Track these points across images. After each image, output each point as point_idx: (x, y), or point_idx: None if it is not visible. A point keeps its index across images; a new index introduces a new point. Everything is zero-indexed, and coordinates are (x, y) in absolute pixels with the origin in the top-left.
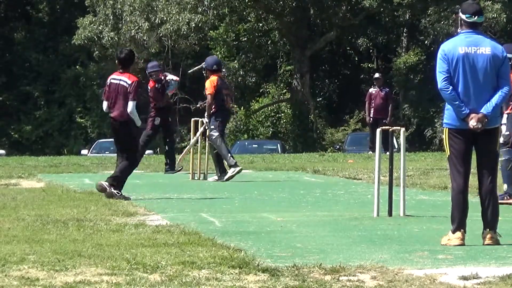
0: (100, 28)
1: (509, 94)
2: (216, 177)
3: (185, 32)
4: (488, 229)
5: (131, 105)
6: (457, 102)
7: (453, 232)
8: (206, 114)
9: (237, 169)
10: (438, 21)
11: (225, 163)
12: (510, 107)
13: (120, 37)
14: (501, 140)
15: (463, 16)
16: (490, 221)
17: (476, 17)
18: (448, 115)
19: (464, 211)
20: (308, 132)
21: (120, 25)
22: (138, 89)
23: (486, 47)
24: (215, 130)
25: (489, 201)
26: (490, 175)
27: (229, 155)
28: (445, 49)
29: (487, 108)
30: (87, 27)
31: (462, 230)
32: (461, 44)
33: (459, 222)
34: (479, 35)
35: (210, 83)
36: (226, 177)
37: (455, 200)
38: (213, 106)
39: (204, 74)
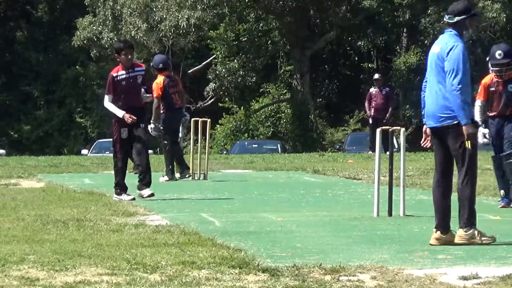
0: (99, 28)
1: (451, 88)
2: (167, 177)
3: (184, 30)
4: (459, 228)
5: (104, 99)
6: (423, 107)
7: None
8: (152, 118)
9: (173, 179)
10: (438, 21)
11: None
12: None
13: (120, 38)
14: (486, 141)
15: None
16: (460, 219)
17: (448, 16)
18: None
19: (438, 210)
20: (308, 132)
21: (119, 26)
22: (110, 83)
23: (438, 45)
24: (167, 137)
25: (458, 199)
26: (459, 172)
27: (171, 166)
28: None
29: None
30: (86, 28)
31: (436, 229)
32: (433, 44)
33: (436, 221)
34: (448, 33)
35: (156, 85)
36: (161, 179)
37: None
38: (162, 108)
39: (153, 74)
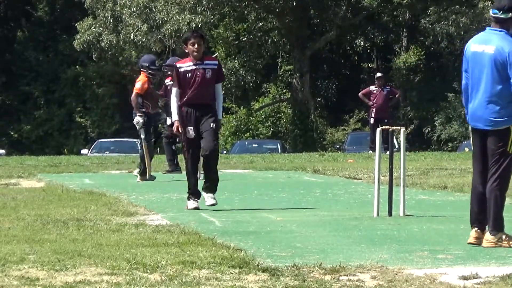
0: (99, 30)
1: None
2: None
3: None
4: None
5: (172, 91)
6: (466, 110)
7: (471, 229)
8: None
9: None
10: (438, 21)
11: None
12: None
13: (119, 40)
14: None
15: (491, 11)
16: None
17: (501, 12)
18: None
19: (477, 209)
20: (308, 132)
21: (120, 27)
22: (174, 74)
23: (492, 45)
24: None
25: (489, 200)
26: (492, 174)
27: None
28: (466, 47)
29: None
30: (86, 32)
31: (475, 227)
32: (474, 42)
33: (472, 219)
34: (498, 32)
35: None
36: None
37: (470, 197)
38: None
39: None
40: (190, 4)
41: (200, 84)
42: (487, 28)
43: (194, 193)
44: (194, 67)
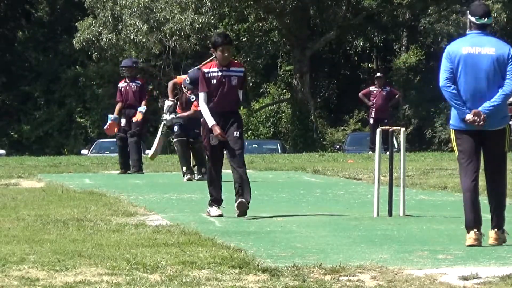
0: (99, 30)
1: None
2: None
3: (188, 33)
4: (493, 229)
5: (199, 97)
6: (458, 102)
7: (467, 232)
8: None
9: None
10: (438, 21)
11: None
12: None
13: (119, 40)
14: None
15: (473, 18)
16: (495, 220)
17: (486, 18)
18: (453, 116)
19: (474, 211)
20: (308, 132)
21: (120, 27)
22: (201, 79)
23: (491, 47)
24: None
25: (493, 200)
26: (497, 176)
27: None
28: (450, 50)
29: (484, 107)
30: (86, 30)
31: (474, 230)
32: (465, 45)
33: (469, 222)
34: (487, 36)
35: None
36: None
37: (464, 200)
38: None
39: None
40: (194, 4)
41: (225, 91)
42: (473, 33)
43: (218, 200)
44: (219, 73)
